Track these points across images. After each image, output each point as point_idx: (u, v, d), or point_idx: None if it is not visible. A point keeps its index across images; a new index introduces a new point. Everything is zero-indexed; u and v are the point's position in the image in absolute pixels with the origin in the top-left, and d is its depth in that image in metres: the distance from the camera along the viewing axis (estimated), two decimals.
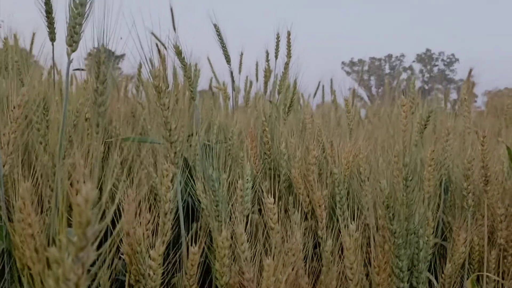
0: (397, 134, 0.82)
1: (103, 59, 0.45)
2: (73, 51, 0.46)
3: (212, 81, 1.74)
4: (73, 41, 0.46)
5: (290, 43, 1.18)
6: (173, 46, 0.81)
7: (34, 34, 1.35)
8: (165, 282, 0.46)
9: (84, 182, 0.24)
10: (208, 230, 0.57)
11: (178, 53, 0.81)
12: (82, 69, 1.13)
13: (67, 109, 0.65)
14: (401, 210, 0.47)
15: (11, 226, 0.41)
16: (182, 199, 0.81)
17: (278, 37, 1.21)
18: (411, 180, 0.48)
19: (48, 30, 0.78)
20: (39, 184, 0.45)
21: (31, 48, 1.32)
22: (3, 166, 0.45)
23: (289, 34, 1.18)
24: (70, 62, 0.46)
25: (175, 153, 0.46)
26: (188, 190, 0.81)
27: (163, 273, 0.45)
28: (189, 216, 0.84)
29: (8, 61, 0.94)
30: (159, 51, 1.69)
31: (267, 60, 1.38)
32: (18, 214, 0.40)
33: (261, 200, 0.59)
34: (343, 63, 14.99)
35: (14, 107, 0.46)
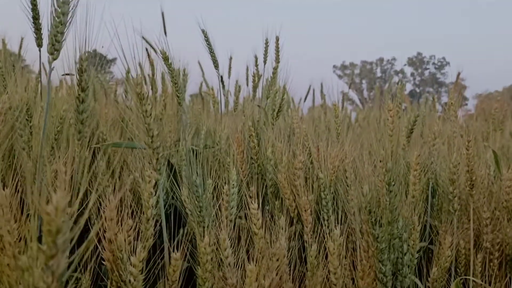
0: (384, 138, 0.82)
1: (85, 67, 0.45)
2: (55, 59, 0.46)
3: (203, 86, 1.74)
4: (54, 49, 0.46)
5: (279, 48, 1.19)
6: (160, 52, 0.81)
7: (22, 38, 1.34)
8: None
9: (61, 188, 0.24)
10: (193, 235, 0.57)
11: (165, 58, 0.81)
12: (71, 74, 1.12)
13: (49, 115, 0.64)
14: (384, 215, 0.47)
15: None
16: (168, 204, 0.81)
17: (266, 42, 1.21)
18: (393, 185, 0.48)
19: (35, 36, 0.77)
20: (20, 191, 0.45)
21: (19, 53, 1.31)
22: None
23: (277, 39, 1.19)
24: (51, 69, 0.45)
25: (157, 159, 0.46)
26: (174, 195, 0.80)
27: (145, 279, 0.45)
28: (176, 222, 0.84)
29: None
30: (148, 55, 1.68)
31: (256, 65, 1.38)
32: None
33: (247, 206, 0.59)
34: (334, 66, 15.06)
35: None
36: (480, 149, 0.85)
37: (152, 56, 1.43)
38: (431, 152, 0.86)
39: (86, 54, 0.44)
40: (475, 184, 0.70)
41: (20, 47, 1.32)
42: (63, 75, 1.26)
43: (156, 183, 0.50)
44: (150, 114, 0.45)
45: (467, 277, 0.65)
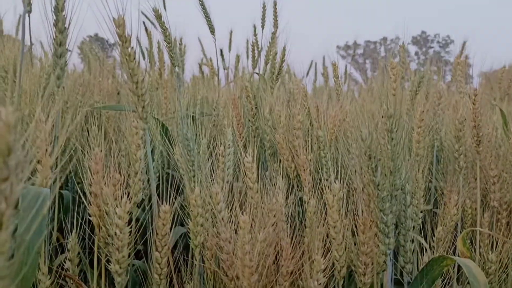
0: (386, 98, 0.79)
1: (62, 5, 0.42)
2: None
3: (202, 62, 1.71)
4: None
5: (277, 14, 1.15)
6: (152, 9, 0.78)
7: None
8: (136, 243, 0.43)
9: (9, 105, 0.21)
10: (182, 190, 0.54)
11: (158, 16, 0.78)
12: (69, 50, 1.09)
13: (32, 73, 0.61)
14: (385, 163, 0.44)
15: None
16: (164, 171, 0.78)
17: (264, 7, 1.17)
18: (396, 131, 0.45)
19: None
20: None
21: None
22: None
23: (275, 4, 1.15)
24: (26, 11, 0.42)
25: (143, 107, 0.43)
26: (170, 161, 0.78)
27: (133, 234, 0.42)
28: (170, 191, 0.82)
29: None
30: (146, 29, 1.63)
31: (255, 34, 1.34)
32: None
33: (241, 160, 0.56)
34: (338, 47, 14.90)
35: None
36: (487, 112, 0.82)
37: (150, 31, 1.40)
38: (436, 112, 0.82)
39: None
40: (482, 141, 0.67)
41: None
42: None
43: (143, 134, 0.47)
44: (134, 59, 0.42)
45: (475, 228, 0.62)
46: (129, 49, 0.42)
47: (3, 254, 0.21)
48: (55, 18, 0.42)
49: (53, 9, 0.41)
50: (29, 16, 0.79)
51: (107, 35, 0.44)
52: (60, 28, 0.41)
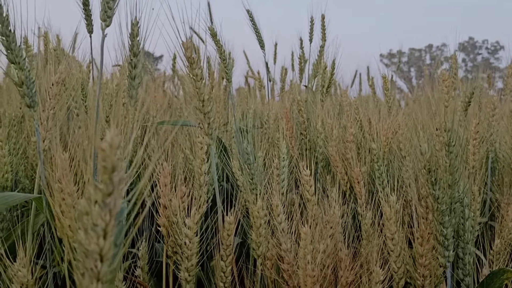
0: (439, 111, 0.79)
1: (136, 32, 0.45)
2: (107, 25, 0.47)
3: (248, 74, 1.74)
4: (107, 16, 0.47)
5: (325, 26, 1.16)
6: (208, 28, 0.81)
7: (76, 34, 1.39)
8: (203, 253, 0.46)
9: (113, 127, 0.24)
10: (245, 207, 0.57)
11: (213, 35, 0.81)
12: (119, 65, 1.14)
13: (103, 93, 0.66)
14: (443, 177, 0.45)
15: (51, 197, 0.41)
16: (218, 184, 0.81)
17: (312, 21, 1.19)
18: (454, 145, 0.45)
19: (85, 22, 0.80)
20: (76, 158, 0.46)
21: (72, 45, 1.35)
22: (43, 141, 0.46)
23: (323, 17, 1.16)
24: (104, 36, 0.46)
25: (209, 124, 0.46)
26: (225, 174, 0.81)
27: (199, 248, 0.45)
28: (225, 203, 0.84)
29: (48, 56, 0.97)
30: (193, 44, 1.70)
31: (301, 47, 1.36)
32: (57, 185, 0.41)
33: (298, 180, 0.58)
34: (381, 55, 14.69)
35: (52, 84, 0.47)
36: None
37: (197, 46, 1.45)
38: (490, 123, 0.81)
39: (137, 20, 0.45)
40: None
41: (74, 41, 1.36)
42: (113, 66, 1.30)
43: (207, 149, 0.50)
44: (201, 78, 0.45)
45: None
46: (197, 69, 0.45)
47: (107, 260, 0.23)
48: (130, 43, 0.45)
49: (129, 35, 0.45)
50: (93, 38, 0.84)
51: (170, 54, 0.47)
52: (135, 52, 0.45)
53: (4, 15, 0.43)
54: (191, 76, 0.45)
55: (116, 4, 0.45)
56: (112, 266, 0.25)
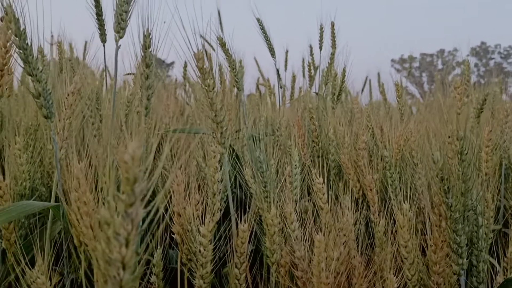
0: (451, 118, 0.79)
1: (148, 43, 0.46)
2: (121, 37, 0.48)
3: (259, 81, 1.75)
4: (120, 28, 0.48)
5: (335, 34, 1.17)
6: (217, 38, 0.82)
7: (86, 42, 1.41)
8: (216, 260, 0.46)
9: (135, 138, 0.24)
10: (258, 214, 0.57)
11: (222, 44, 0.82)
12: (133, 74, 1.16)
13: (117, 102, 0.67)
14: (456, 185, 0.45)
15: (68, 205, 0.42)
16: (231, 191, 0.82)
17: (321, 28, 1.19)
18: (466, 154, 0.46)
19: (99, 32, 0.81)
20: (92, 167, 0.47)
21: (84, 56, 1.37)
22: (59, 150, 0.47)
23: (333, 24, 1.17)
24: (118, 47, 0.47)
25: (222, 133, 0.47)
26: (237, 182, 0.81)
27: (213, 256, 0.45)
28: (238, 210, 0.85)
29: (63, 64, 0.98)
30: (205, 51, 1.71)
31: (311, 54, 1.37)
32: (74, 193, 0.42)
33: (311, 187, 0.58)
34: (392, 60, 14.63)
35: (68, 95, 0.48)
36: None
37: (208, 53, 1.46)
38: (503, 130, 0.81)
39: (149, 31, 0.46)
40: None
41: (85, 50, 1.38)
42: (125, 74, 1.31)
43: (220, 157, 0.50)
44: (213, 89, 0.46)
45: None
46: (209, 80, 0.46)
47: (129, 268, 0.24)
48: (142, 54, 0.46)
49: (141, 46, 0.46)
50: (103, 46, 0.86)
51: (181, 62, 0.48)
52: (148, 63, 0.46)
53: (21, 28, 0.44)
54: (203, 86, 0.45)
55: (129, 16, 0.46)
56: (134, 274, 0.26)
